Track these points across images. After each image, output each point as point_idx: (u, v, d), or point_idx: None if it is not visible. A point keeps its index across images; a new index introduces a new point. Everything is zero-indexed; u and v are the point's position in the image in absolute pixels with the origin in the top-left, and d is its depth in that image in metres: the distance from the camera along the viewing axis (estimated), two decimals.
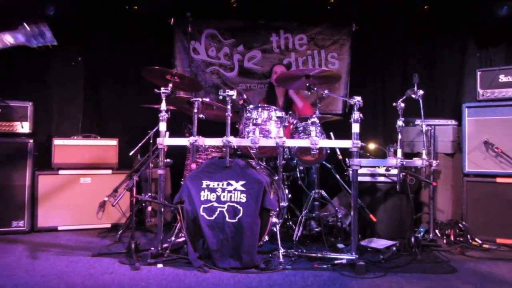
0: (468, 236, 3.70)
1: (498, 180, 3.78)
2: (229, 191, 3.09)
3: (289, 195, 3.75)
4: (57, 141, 4.31)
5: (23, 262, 3.08)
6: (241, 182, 3.10)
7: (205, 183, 3.14)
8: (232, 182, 3.11)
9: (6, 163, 4.00)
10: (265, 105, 3.51)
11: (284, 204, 3.41)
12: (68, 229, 4.17)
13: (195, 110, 3.40)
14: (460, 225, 3.80)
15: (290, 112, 3.66)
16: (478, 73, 4.06)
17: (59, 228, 4.17)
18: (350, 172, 3.24)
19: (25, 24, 2.32)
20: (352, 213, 3.05)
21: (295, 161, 3.79)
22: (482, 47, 4.88)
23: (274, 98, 4.62)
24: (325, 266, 2.98)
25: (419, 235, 3.56)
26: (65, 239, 3.81)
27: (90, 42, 5.02)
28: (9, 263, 3.01)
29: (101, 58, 5.08)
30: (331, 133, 3.77)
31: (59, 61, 4.83)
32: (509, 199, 3.72)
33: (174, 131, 3.48)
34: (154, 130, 4.01)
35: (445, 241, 3.71)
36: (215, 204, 3.08)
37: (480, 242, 3.69)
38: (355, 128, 3.03)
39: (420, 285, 2.62)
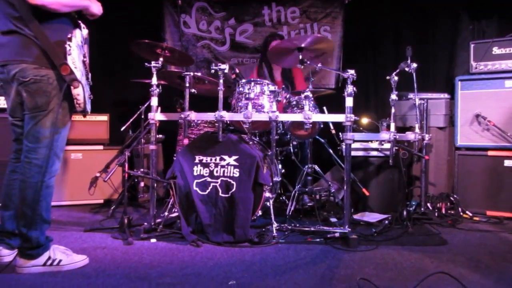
0: (459, 209, 3.75)
1: (490, 153, 3.81)
2: (222, 166, 3.07)
3: (282, 170, 3.75)
4: None
5: None
6: (234, 157, 3.08)
7: (197, 158, 3.13)
8: (225, 157, 3.10)
9: None
10: (258, 79, 3.47)
11: (277, 179, 3.41)
12: (60, 204, 4.15)
13: (187, 85, 3.35)
14: (451, 198, 3.84)
15: (283, 86, 3.62)
16: (472, 46, 4.04)
17: (51, 204, 4.13)
18: (343, 146, 3.23)
19: None
20: (345, 187, 3.06)
21: (288, 136, 3.77)
22: (474, 19, 4.82)
23: (270, 71, 4.51)
24: (318, 240, 3.00)
25: (410, 209, 3.60)
26: (57, 214, 3.79)
27: (77, 16, 4.88)
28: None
29: (90, 31, 4.95)
30: (324, 108, 3.76)
31: None
32: (499, 172, 3.76)
33: (165, 107, 3.45)
34: (145, 105, 3.97)
35: (436, 214, 3.74)
36: (208, 179, 3.07)
37: (470, 214, 3.75)
38: (349, 102, 3.00)
39: (411, 257, 2.65)
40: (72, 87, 2.24)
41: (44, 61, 2.24)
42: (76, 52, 2.25)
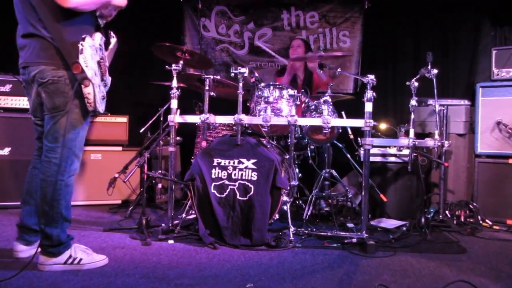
0: (479, 217, 3.69)
1: (511, 161, 3.75)
2: (240, 169, 3.08)
3: (299, 174, 3.75)
4: None
5: None
6: (252, 160, 3.09)
7: (216, 160, 3.14)
8: (243, 160, 3.11)
9: (18, 138, 4.01)
10: (277, 83, 3.48)
11: (294, 183, 3.40)
12: (79, 204, 4.21)
13: (206, 88, 3.37)
14: (470, 206, 3.78)
15: (303, 90, 3.62)
16: (494, 52, 3.99)
17: (70, 203, 4.20)
18: (362, 151, 3.22)
19: None
20: (363, 192, 3.04)
21: (306, 140, 3.77)
22: (496, 26, 4.76)
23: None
24: (335, 245, 2.99)
25: (429, 216, 3.56)
26: (76, 214, 3.84)
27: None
28: None
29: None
30: (343, 112, 3.75)
31: None
32: None
33: (183, 109, 3.47)
34: (164, 107, 4.01)
35: (455, 222, 3.70)
36: (226, 182, 3.08)
37: (490, 223, 3.69)
38: (368, 107, 2.99)
39: (430, 264, 2.62)
40: (82, 86, 2.26)
41: (60, 62, 2.28)
42: (89, 52, 2.27)
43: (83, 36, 2.25)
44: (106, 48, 2.51)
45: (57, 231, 2.35)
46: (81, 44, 2.23)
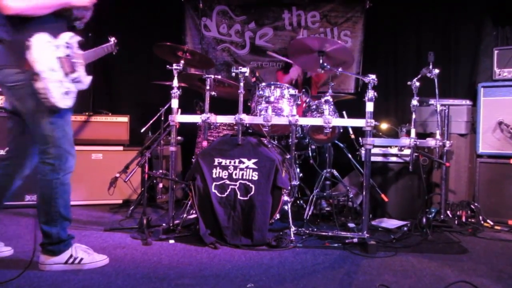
0: (480, 218, 3.68)
1: None
2: (241, 169, 3.08)
3: (300, 174, 3.75)
4: None
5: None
6: (253, 160, 3.09)
7: (217, 160, 3.14)
8: (244, 160, 3.10)
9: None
10: (278, 83, 3.47)
11: (295, 183, 3.40)
12: (80, 204, 4.21)
13: (207, 87, 3.37)
14: (471, 206, 3.77)
15: (304, 90, 3.62)
16: (495, 52, 3.99)
17: (71, 203, 4.15)
18: (363, 151, 3.22)
19: None
20: (364, 192, 3.04)
21: (307, 140, 3.77)
22: (498, 26, 4.74)
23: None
24: (336, 245, 2.99)
25: (430, 216, 3.55)
26: (77, 213, 3.84)
27: (100, 17, 4.97)
28: (22, 236, 3.05)
29: (112, 33, 5.03)
30: (344, 112, 3.74)
31: None
32: None
33: (184, 109, 3.47)
34: (165, 107, 4.00)
35: (456, 222, 3.68)
36: (227, 182, 3.08)
37: (491, 223, 3.68)
38: (369, 106, 2.98)
39: (431, 265, 2.62)
40: (33, 81, 2.21)
41: (22, 64, 2.24)
42: (42, 48, 2.22)
43: (31, 34, 2.21)
44: (86, 47, 2.51)
45: (57, 229, 2.36)
46: (28, 41, 2.19)
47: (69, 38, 2.39)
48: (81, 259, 2.40)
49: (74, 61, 2.39)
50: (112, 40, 2.61)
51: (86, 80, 2.48)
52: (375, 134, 3.92)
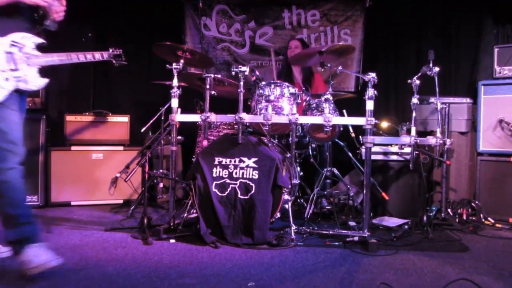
0: (481, 215, 3.68)
1: None
2: (241, 168, 3.08)
3: (301, 173, 3.74)
4: (69, 117, 4.33)
5: None
6: (253, 159, 3.09)
7: (217, 159, 3.14)
8: (244, 159, 3.10)
9: None
10: (278, 81, 3.47)
11: (295, 181, 3.40)
12: (81, 204, 4.22)
13: (207, 86, 3.36)
14: (472, 204, 3.77)
15: (303, 89, 3.61)
16: (496, 50, 3.98)
17: (72, 203, 4.22)
18: (363, 150, 3.21)
19: None
20: (364, 190, 3.03)
21: (307, 138, 3.76)
22: (498, 24, 4.74)
23: (290, 73, 4.52)
24: (336, 243, 2.99)
25: (431, 214, 3.55)
26: (78, 214, 3.86)
27: (100, 18, 4.99)
28: None
29: (112, 33, 5.06)
30: (344, 111, 3.74)
31: (70, 37, 4.79)
32: None
33: (184, 108, 3.47)
34: (165, 106, 4.00)
35: (457, 220, 3.69)
36: (227, 181, 3.08)
37: (492, 221, 3.67)
38: (369, 105, 2.98)
39: (432, 263, 2.62)
40: None
41: None
42: None
43: None
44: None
45: (14, 231, 2.28)
46: None
47: (20, 38, 2.37)
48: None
49: (16, 58, 2.35)
50: (110, 50, 2.61)
51: (36, 82, 2.44)
52: (376, 132, 3.92)
